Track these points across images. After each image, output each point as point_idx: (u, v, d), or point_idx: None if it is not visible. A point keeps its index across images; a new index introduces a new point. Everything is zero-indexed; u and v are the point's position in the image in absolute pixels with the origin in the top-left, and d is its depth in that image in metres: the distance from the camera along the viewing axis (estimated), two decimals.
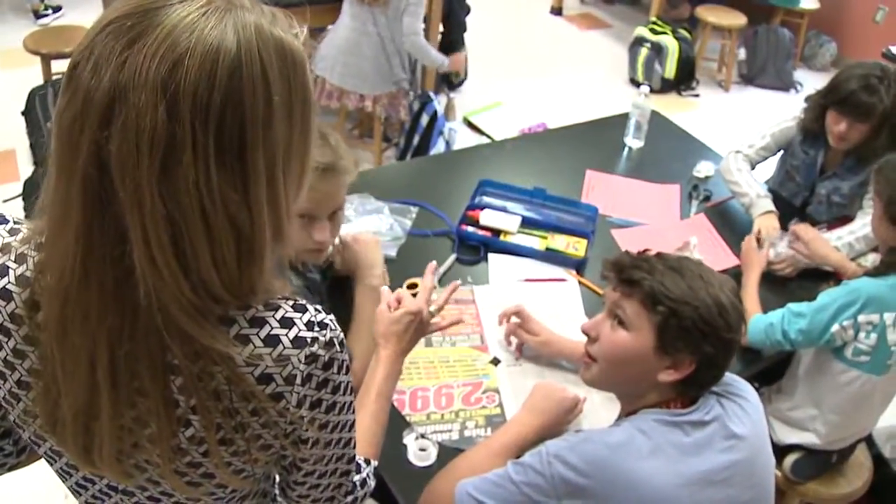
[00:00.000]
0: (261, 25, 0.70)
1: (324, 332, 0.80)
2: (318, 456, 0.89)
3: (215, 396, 0.76)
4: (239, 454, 0.83)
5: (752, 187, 2.32)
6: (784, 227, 2.20)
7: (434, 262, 1.47)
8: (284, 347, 0.77)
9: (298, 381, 0.79)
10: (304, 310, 0.80)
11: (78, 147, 0.66)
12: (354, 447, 0.95)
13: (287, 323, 0.78)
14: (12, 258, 0.79)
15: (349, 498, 1.00)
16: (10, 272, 0.78)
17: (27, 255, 0.78)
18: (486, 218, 2.14)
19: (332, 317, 0.83)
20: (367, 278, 1.65)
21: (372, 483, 1.08)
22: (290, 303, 0.80)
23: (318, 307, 0.82)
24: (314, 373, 0.80)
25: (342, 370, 0.83)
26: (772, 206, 2.26)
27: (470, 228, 2.13)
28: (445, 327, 1.46)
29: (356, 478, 1.02)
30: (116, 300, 0.71)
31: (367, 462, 1.10)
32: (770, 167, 2.59)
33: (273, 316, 0.78)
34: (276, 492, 1.08)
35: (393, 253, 2.01)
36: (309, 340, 0.79)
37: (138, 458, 0.82)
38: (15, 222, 0.83)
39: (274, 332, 0.77)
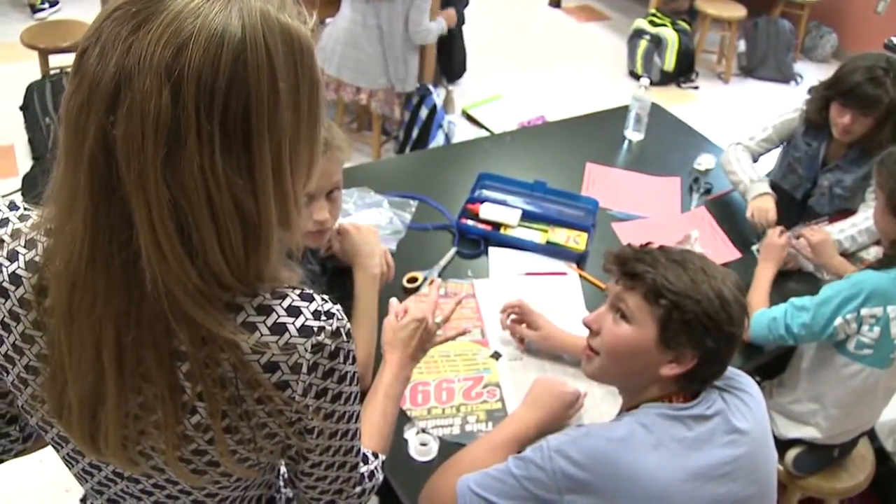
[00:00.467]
0: (267, 12, 0.70)
1: (330, 321, 0.80)
2: (323, 446, 0.89)
3: (221, 383, 0.76)
4: (244, 442, 0.82)
5: (747, 173, 2.31)
6: (780, 213, 2.19)
7: (439, 280, 1.46)
8: (291, 336, 0.77)
9: (304, 369, 0.79)
10: (311, 299, 0.80)
11: (85, 132, 0.67)
12: (360, 439, 0.95)
13: (294, 311, 0.78)
14: (22, 243, 0.79)
15: (357, 489, 1.00)
16: (20, 257, 0.79)
17: (37, 241, 0.79)
18: (486, 211, 2.14)
19: (338, 306, 0.83)
20: (367, 267, 1.65)
21: (380, 476, 1.08)
22: (298, 291, 0.80)
23: (325, 297, 0.82)
24: (320, 362, 0.80)
25: (348, 360, 0.83)
26: (767, 189, 2.25)
27: (470, 222, 2.12)
28: (452, 337, 1.46)
29: (364, 469, 1.02)
30: (123, 285, 0.71)
31: (376, 455, 1.10)
32: (772, 160, 2.58)
33: (280, 304, 0.78)
34: (281, 483, 1.07)
35: (393, 247, 2.00)
36: (315, 329, 0.78)
37: (144, 445, 0.82)
38: (25, 209, 0.83)
39: (281, 320, 0.77)
